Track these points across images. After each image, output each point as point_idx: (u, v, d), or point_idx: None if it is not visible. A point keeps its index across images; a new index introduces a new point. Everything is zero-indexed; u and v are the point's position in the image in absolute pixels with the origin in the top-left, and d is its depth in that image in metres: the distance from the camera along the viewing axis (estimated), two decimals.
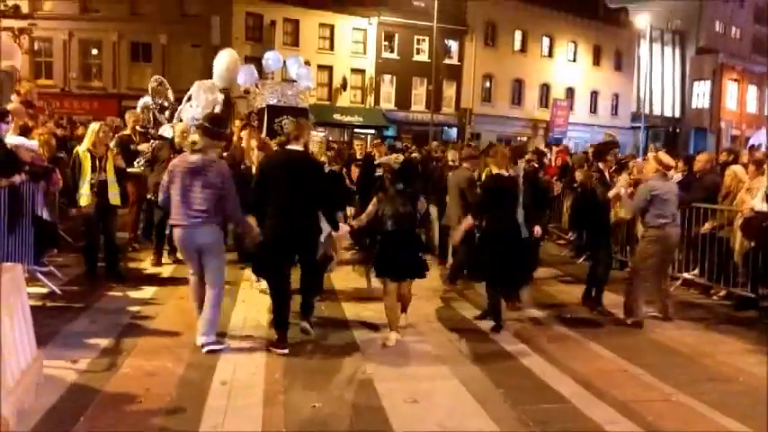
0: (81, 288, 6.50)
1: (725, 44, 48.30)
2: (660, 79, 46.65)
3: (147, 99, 11.21)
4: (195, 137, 5.07)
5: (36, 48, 28.02)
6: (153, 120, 10.19)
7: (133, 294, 6.49)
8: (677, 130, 47.25)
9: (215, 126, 5.16)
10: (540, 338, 5.70)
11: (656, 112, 46.48)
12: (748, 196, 7.09)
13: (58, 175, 6.78)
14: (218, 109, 11.16)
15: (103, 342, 4.94)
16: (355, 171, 10.91)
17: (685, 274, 7.98)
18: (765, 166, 6.99)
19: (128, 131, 9.07)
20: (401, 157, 6.17)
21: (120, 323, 5.47)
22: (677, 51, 47.97)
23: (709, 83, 47.21)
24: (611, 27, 42.13)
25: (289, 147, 5.30)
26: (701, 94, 48.03)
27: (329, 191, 5.66)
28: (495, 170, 6.15)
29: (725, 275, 7.38)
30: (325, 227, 5.61)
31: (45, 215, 6.59)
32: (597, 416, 4.04)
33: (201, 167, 4.84)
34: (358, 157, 11.82)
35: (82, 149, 6.67)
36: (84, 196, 6.60)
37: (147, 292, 6.64)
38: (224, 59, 11.64)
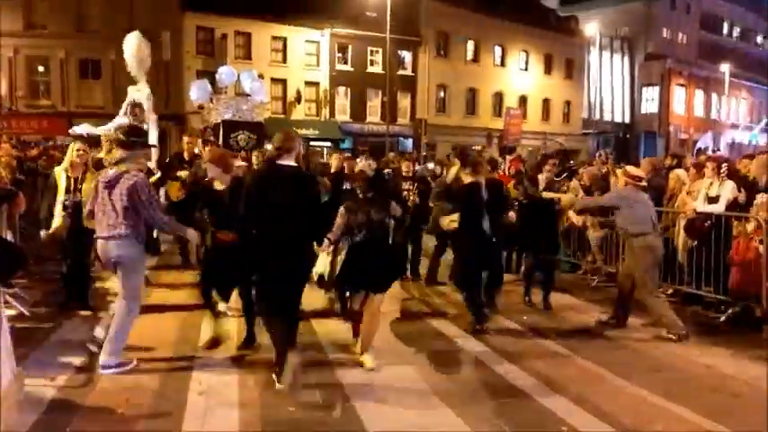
0: (48, 310, 6.42)
1: (672, 50, 50.06)
2: (610, 86, 48.02)
3: (123, 120, 11.01)
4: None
5: None
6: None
7: (101, 314, 6.41)
8: (627, 136, 48.66)
9: (130, 137, 4.98)
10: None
11: (607, 117, 47.78)
12: (689, 198, 7.46)
13: (22, 198, 6.63)
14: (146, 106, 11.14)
15: (77, 360, 4.95)
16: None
17: None
18: (705, 170, 7.37)
19: (102, 155, 8.80)
20: (374, 164, 5.83)
21: (92, 341, 5.39)
22: (626, 58, 49.45)
23: (657, 88, 48.83)
24: (561, 36, 43.19)
25: (280, 162, 4.64)
26: (649, 100, 49.62)
27: (326, 214, 5.21)
28: (470, 178, 6.38)
29: (671, 274, 7.74)
30: None
31: (9, 237, 6.46)
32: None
33: (115, 181, 4.78)
34: (332, 170, 11.75)
35: (58, 170, 6.59)
36: (57, 218, 6.37)
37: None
38: (130, 44, 11.55)
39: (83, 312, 6.32)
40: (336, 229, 5.18)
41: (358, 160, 6.66)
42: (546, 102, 43.57)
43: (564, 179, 9.95)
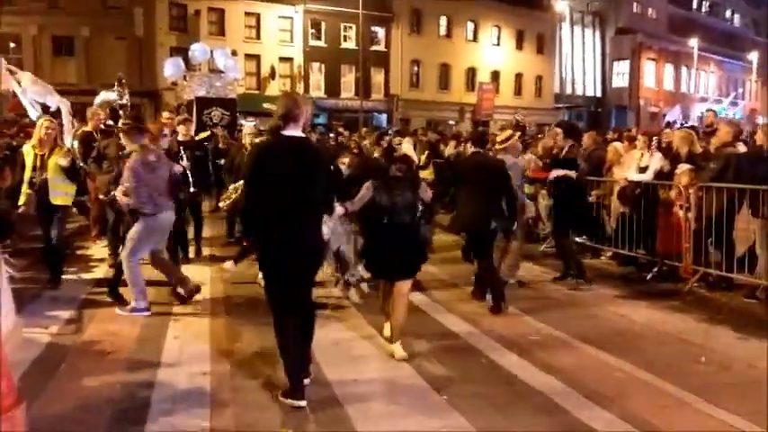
0: (35, 274, 6.93)
1: (642, 24, 50.66)
2: (582, 60, 48.72)
3: (108, 95, 11.22)
4: None
5: None
6: (113, 116, 9.95)
7: (85, 276, 7.19)
8: (599, 110, 49.54)
9: (137, 123, 5.95)
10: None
11: (579, 92, 48.52)
12: (619, 168, 8.22)
13: (8, 173, 7.07)
14: None
15: (66, 314, 5.65)
16: None
17: (577, 239, 9.11)
18: (636, 142, 8.11)
19: (88, 128, 8.76)
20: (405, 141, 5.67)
21: (77, 298, 6.16)
22: (597, 32, 50.05)
23: (628, 62, 49.57)
24: (532, 11, 43.59)
25: (286, 133, 3.89)
26: (620, 74, 50.28)
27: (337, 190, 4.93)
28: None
29: (608, 238, 8.52)
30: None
31: None
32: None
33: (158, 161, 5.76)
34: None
35: (26, 147, 6.65)
36: (23, 195, 6.50)
37: (98, 272, 7.30)
38: None
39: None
40: (358, 201, 4.89)
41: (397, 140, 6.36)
42: (518, 77, 44.18)
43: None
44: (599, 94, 50.39)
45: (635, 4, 51.47)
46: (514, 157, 7.12)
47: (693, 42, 49.02)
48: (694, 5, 57.81)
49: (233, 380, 4.28)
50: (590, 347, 5.01)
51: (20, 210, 6.58)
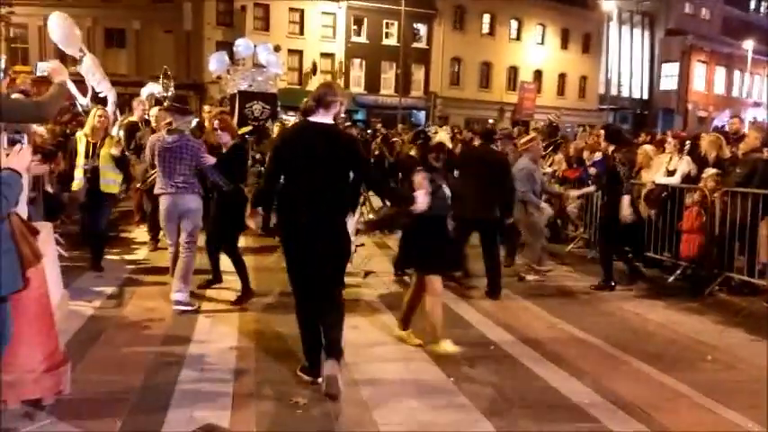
0: (81, 253, 7.30)
1: (694, 26, 49.37)
2: (629, 61, 47.79)
3: (153, 87, 11.62)
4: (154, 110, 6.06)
5: (12, 34, 28.37)
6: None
7: (128, 257, 7.68)
8: (645, 112, 48.60)
9: (181, 104, 6.09)
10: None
11: (625, 94, 47.65)
12: (648, 171, 8.26)
13: (60, 157, 7.59)
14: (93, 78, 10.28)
15: (108, 290, 6.11)
16: None
17: None
18: (665, 145, 8.14)
19: (134, 118, 9.04)
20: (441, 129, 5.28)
21: (120, 278, 6.61)
22: (646, 33, 49.02)
23: (677, 64, 48.46)
24: (578, 10, 43.08)
25: (313, 119, 3.87)
26: (669, 76, 49.15)
27: (372, 172, 4.54)
28: None
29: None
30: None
31: (50, 190, 7.47)
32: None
33: (178, 144, 5.60)
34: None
35: (79, 134, 6.84)
36: (76, 181, 6.70)
37: (140, 254, 7.81)
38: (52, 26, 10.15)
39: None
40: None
41: (433, 130, 5.94)
42: (562, 76, 43.71)
43: (550, 152, 10.82)
44: (646, 97, 49.42)
45: (687, 4, 50.17)
46: (532, 161, 7.27)
47: (748, 45, 47.56)
48: (752, 6, 55.98)
49: (257, 354, 4.59)
50: (599, 341, 5.16)
51: (70, 194, 6.90)
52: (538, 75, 42.11)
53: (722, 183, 6.91)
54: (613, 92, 46.21)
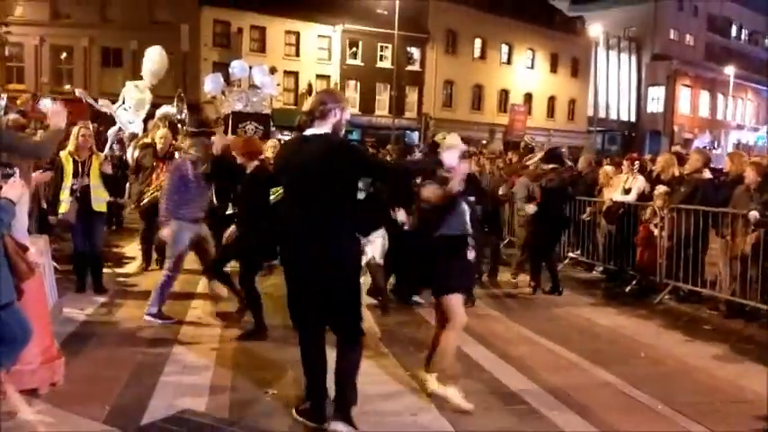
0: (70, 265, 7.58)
1: (679, 51, 50.76)
2: (617, 84, 48.91)
3: (169, 109, 11.92)
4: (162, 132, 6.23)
5: (7, 53, 28.97)
6: (172, 130, 9.88)
7: (118, 270, 8.03)
8: (633, 134, 49.59)
9: (201, 128, 6.30)
10: None
11: (613, 116, 48.71)
12: (609, 190, 8.88)
13: (49, 174, 7.67)
14: (147, 107, 11.22)
15: (100, 300, 6.44)
16: None
17: (570, 254, 9.76)
18: (622, 166, 8.78)
19: (148, 139, 8.77)
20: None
21: (111, 289, 6.85)
22: (633, 58, 50.24)
23: (663, 88, 49.66)
24: (567, 35, 44.21)
25: (309, 131, 3.59)
26: (655, 99, 50.35)
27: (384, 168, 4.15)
28: None
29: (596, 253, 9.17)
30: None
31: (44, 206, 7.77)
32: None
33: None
34: None
35: (64, 154, 6.52)
36: (64, 203, 6.45)
37: (130, 268, 8.18)
38: (154, 57, 11.63)
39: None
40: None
41: (440, 135, 5.67)
42: (551, 99, 44.67)
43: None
44: (633, 119, 50.45)
45: (672, 30, 51.60)
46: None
47: (729, 70, 48.79)
48: (733, 34, 57.49)
49: (236, 355, 5.02)
50: (547, 341, 5.71)
51: (59, 217, 6.56)
52: (528, 97, 43.01)
53: (669, 200, 7.50)
54: (602, 114, 47.12)
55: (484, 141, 37.80)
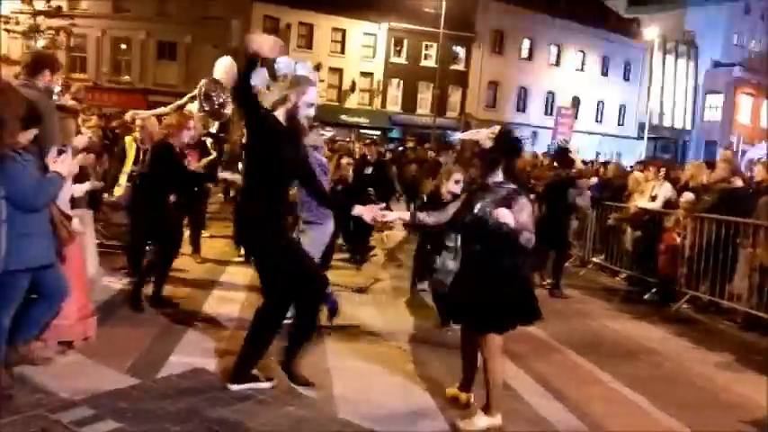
0: (116, 241, 7.88)
1: (742, 57, 49.00)
2: (672, 90, 47.63)
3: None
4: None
5: (72, 44, 30.36)
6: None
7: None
8: (686, 143, 48.20)
9: None
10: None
11: (666, 123, 47.49)
12: (639, 196, 8.86)
13: (105, 159, 8.34)
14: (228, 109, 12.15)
15: None
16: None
17: (594, 259, 9.76)
18: (651, 173, 8.76)
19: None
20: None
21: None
22: (691, 63, 48.88)
23: (722, 96, 48.06)
24: (621, 37, 43.36)
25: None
26: (713, 107, 48.83)
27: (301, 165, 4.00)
28: None
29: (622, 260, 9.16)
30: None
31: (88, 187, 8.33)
32: None
33: None
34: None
35: (128, 139, 6.79)
36: (120, 186, 6.67)
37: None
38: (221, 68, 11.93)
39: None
40: (429, 218, 4.05)
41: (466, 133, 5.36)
42: (600, 103, 43.87)
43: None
44: (688, 127, 48.97)
45: (736, 35, 49.72)
46: None
47: None
48: None
49: None
50: (553, 340, 5.78)
51: (113, 198, 6.89)
52: (576, 101, 42.32)
53: (693, 209, 7.47)
54: (655, 121, 46.04)
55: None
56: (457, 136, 36.67)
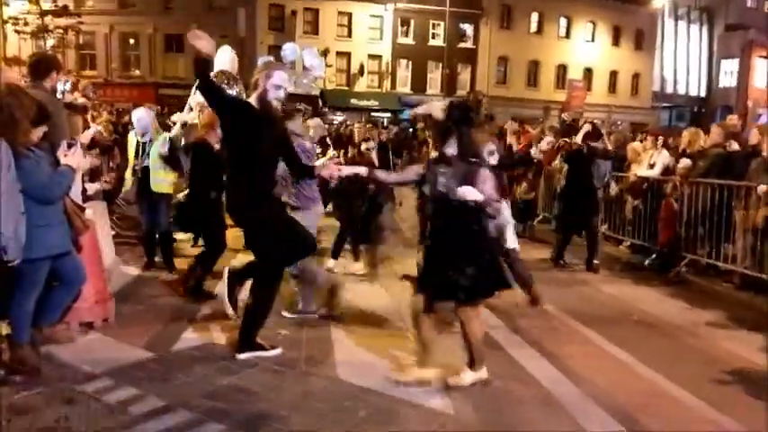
0: (132, 232, 8.31)
1: (756, 19, 48.02)
2: (685, 58, 46.85)
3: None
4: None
5: (81, 42, 30.80)
6: None
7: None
8: (702, 110, 47.53)
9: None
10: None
11: (681, 91, 46.82)
12: (637, 165, 8.99)
13: (116, 152, 8.62)
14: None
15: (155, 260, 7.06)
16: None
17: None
18: (650, 142, 8.87)
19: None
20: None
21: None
22: (704, 29, 48.00)
23: (737, 60, 47.28)
24: (630, 5, 42.59)
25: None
26: (728, 73, 48.01)
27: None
28: None
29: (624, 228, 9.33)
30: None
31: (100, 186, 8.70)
32: None
33: None
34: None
35: (130, 135, 6.96)
36: (127, 181, 6.88)
37: (179, 235, 8.76)
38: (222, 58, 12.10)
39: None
40: (400, 174, 4.33)
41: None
42: (613, 74, 43.28)
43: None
44: (703, 94, 48.19)
45: None
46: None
47: None
48: None
49: None
50: (550, 306, 5.99)
51: (122, 195, 7.30)
52: (588, 72, 41.87)
53: (688, 174, 7.61)
54: (668, 89, 45.42)
55: (539, 119, 37.32)
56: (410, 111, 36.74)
